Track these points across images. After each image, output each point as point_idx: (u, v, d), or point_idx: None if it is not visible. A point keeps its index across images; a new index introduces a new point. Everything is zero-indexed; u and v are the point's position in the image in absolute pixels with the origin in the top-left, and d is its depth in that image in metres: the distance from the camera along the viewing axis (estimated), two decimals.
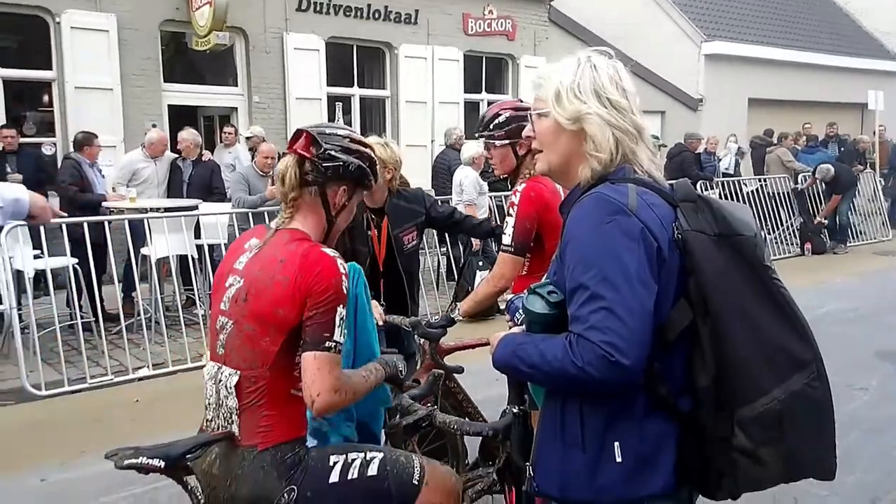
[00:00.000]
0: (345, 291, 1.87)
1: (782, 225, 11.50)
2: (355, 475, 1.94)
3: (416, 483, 2.00)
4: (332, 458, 1.95)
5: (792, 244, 11.50)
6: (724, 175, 11.91)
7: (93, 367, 5.55)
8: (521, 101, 3.13)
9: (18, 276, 5.82)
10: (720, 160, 12.49)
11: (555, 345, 1.44)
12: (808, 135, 13.33)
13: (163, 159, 7.60)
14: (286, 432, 1.90)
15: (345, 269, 1.89)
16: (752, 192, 11.27)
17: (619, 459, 1.47)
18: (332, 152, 1.98)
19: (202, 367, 2.10)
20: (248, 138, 8.68)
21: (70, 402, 5.15)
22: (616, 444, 1.48)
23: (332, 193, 2.01)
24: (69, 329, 6.10)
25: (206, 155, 8.05)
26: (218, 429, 1.93)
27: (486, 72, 12.63)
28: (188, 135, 7.68)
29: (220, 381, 1.91)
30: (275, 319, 1.84)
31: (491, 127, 3.01)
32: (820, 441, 1.49)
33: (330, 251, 1.91)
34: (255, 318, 1.87)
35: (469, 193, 7.67)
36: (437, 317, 3.15)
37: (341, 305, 1.85)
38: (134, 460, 1.78)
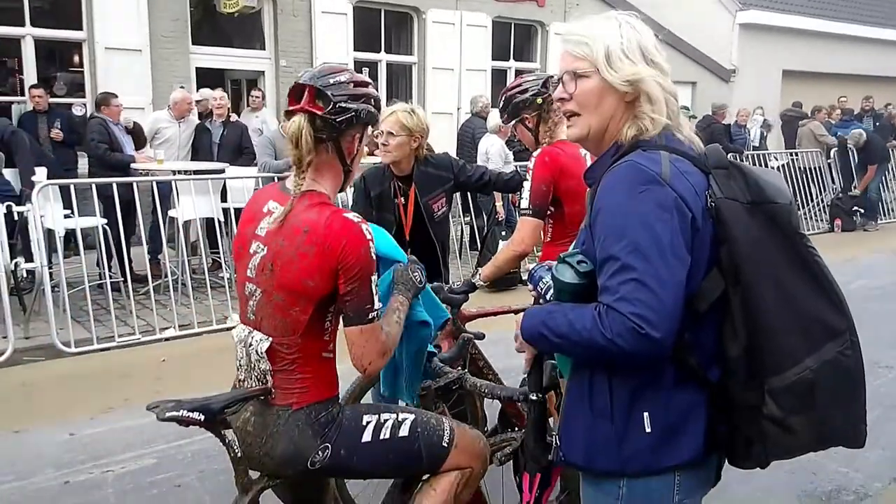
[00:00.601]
0: (374, 257, 1.85)
1: (812, 200, 11.30)
2: (387, 435, 1.97)
3: (446, 445, 2.03)
4: (365, 418, 1.98)
5: (821, 220, 11.32)
6: (755, 149, 11.70)
7: (121, 327, 5.66)
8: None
9: (49, 235, 5.93)
10: (750, 132, 12.26)
11: (584, 315, 1.42)
12: (843, 108, 13.02)
13: (187, 121, 7.63)
14: (320, 392, 1.92)
15: (370, 233, 1.86)
16: (783, 165, 11.07)
17: (647, 429, 1.47)
18: (342, 104, 1.88)
19: (228, 328, 2.13)
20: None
21: (98, 360, 5.26)
22: (645, 414, 1.47)
23: (346, 144, 1.94)
24: (98, 288, 6.22)
25: (233, 116, 8.08)
26: (252, 387, 1.95)
27: (514, 39, 12.46)
28: (219, 94, 7.71)
29: (251, 345, 1.91)
30: (304, 290, 1.83)
31: (504, 116, 3.18)
32: (851, 409, 1.48)
33: (353, 216, 1.86)
34: (283, 289, 1.86)
35: (495, 162, 7.62)
36: (459, 283, 3.15)
37: (373, 273, 1.86)
38: (175, 413, 1.82)
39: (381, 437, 1.97)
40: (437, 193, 3.34)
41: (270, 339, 1.89)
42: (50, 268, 5.74)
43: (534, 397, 1.79)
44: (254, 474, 2.01)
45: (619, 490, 1.54)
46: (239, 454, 1.94)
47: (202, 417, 1.82)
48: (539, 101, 3.05)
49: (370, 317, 1.85)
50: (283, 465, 1.92)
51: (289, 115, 1.91)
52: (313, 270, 1.81)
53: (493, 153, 7.67)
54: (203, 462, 3.60)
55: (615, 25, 1.55)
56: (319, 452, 1.90)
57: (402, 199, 3.29)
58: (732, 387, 1.48)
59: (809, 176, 11.22)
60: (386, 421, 1.99)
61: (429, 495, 2.04)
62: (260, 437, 1.93)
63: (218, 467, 3.51)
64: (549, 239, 3.08)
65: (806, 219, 11.02)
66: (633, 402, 1.48)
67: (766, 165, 10.71)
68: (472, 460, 2.08)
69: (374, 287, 1.86)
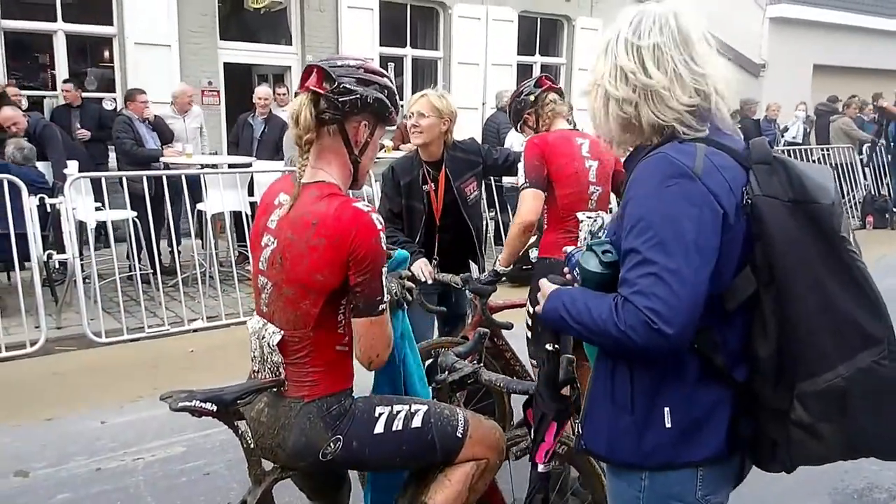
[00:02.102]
0: (383, 247, 1.83)
1: (844, 197, 11.11)
2: (400, 426, 1.95)
3: (460, 436, 2.01)
4: (378, 410, 1.97)
5: (853, 217, 11.13)
6: (790, 144, 11.53)
7: (150, 318, 5.73)
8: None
9: (81, 227, 6.03)
10: (786, 129, 12.07)
11: (602, 304, 1.41)
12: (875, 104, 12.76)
13: (190, 114, 7.67)
14: (332, 385, 1.91)
15: (380, 222, 1.83)
16: (815, 160, 10.90)
17: (667, 424, 1.46)
18: (348, 85, 1.85)
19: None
20: None
21: (128, 350, 5.34)
22: (666, 409, 1.46)
23: (352, 130, 1.90)
24: (128, 280, 6.31)
25: (280, 113, 8.11)
26: (265, 379, 1.95)
27: (540, 33, 12.39)
28: (263, 91, 7.74)
29: (264, 337, 1.91)
30: (314, 284, 1.81)
31: (512, 123, 3.44)
32: (885, 421, 1.41)
33: (362, 205, 1.82)
34: (293, 283, 1.84)
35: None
36: (490, 277, 3.17)
37: (384, 266, 1.85)
38: (188, 403, 1.82)
39: (394, 428, 1.94)
40: (468, 177, 3.38)
41: (282, 332, 1.87)
42: (81, 259, 5.83)
43: (549, 347, 1.77)
44: (267, 465, 2.01)
45: (641, 482, 1.53)
46: (252, 445, 1.93)
47: (214, 408, 1.83)
48: (532, 98, 3.19)
49: (381, 308, 1.84)
50: (295, 456, 1.92)
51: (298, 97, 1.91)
52: (323, 264, 1.79)
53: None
54: (231, 451, 3.63)
55: (652, 16, 1.50)
56: (331, 444, 1.89)
57: (433, 185, 3.30)
58: (760, 388, 1.44)
59: (841, 172, 11.03)
60: (399, 412, 1.97)
61: (444, 486, 2.01)
62: (272, 429, 1.93)
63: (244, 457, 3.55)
64: (546, 227, 3.14)
65: None
66: (653, 397, 1.47)
67: (807, 159, 10.57)
68: (487, 451, 2.05)
69: (384, 278, 1.84)
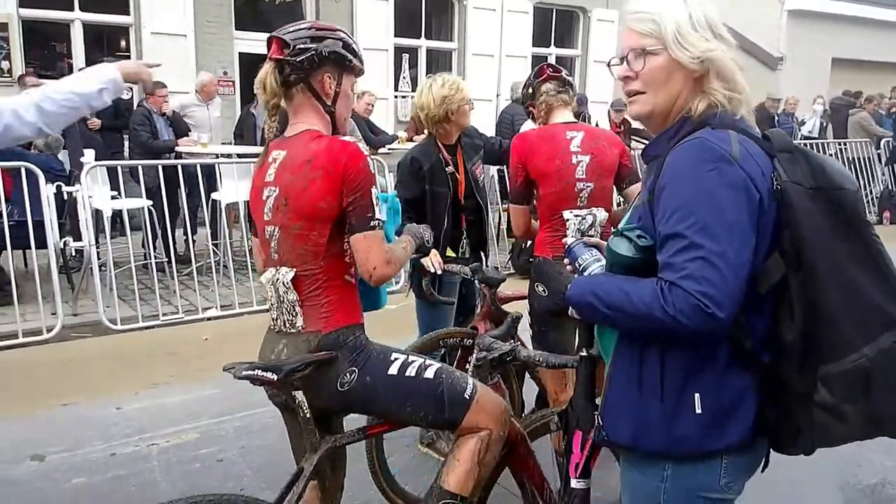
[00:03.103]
0: (372, 172, 1.98)
1: (861, 191, 11.00)
2: (413, 373, 2.05)
3: (468, 398, 2.09)
4: (394, 355, 2.09)
5: (870, 212, 11.03)
6: (806, 138, 11.44)
7: (165, 306, 5.78)
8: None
9: (97, 215, 6.08)
10: (803, 122, 11.97)
11: (643, 288, 1.41)
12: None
13: (214, 103, 7.73)
14: (345, 317, 2.02)
15: (366, 150, 1.99)
16: (831, 155, 10.80)
17: (698, 411, 1.46)
18: (301, 45, 2.01)
19: (267, 309, 2.16)
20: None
21: (143, 337, 5.39)
22: (696, 395, 1.46)
23: (318, 84, 2.05)
24: (143, 268, 6.36)
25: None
26: (284, 324, 2.04)
27: (555, 25, 12.34)
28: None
29: (278, 279, 2.02)
30: (319, 213, 1.95)
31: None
32: None
33: (349, 138, 2.00)
34: (300, 217, 1.97)
35: None
36: (499, 270, 3.18)
37: (373, 185, 1.97)
38: (250, 372, 1.91)
39: (407, 373, 2.05)
40: (476, 160, 3.49)
41: (294, 269, 1.99)
42: (97, 247, 5.89)
43: (584, 353, 1.78)
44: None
45: (663, 472, 1.53)
46: (308, 415, 1.99)
47: (275, 377, 1.90)
48: (530, 90, 3.16)
49: (371, 224, 1.95)
50: (316, 388, 1.99)
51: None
52: (324, 192, 1.93)
53: None
54: (244, 438, 3.67)
55: (681, 0, 1.52)
56: (348, 374, 1.99)
57: (453, 168, 3.38)
58: (784, 372, 1.45)
59: (858, 167, 10.93)
60: (413, 361, 2.08)
61: (453, 467, 2.09)
62: None
63: (259, 443, 3.58)
64: (536, 224, 3.14)
65: None
66: (684, 383, 1.46)
67: (824, 153, 10.47)
68: (490, 421, 2.11)
69: (374, 198, 1.96)
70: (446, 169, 3.35)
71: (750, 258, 1.38)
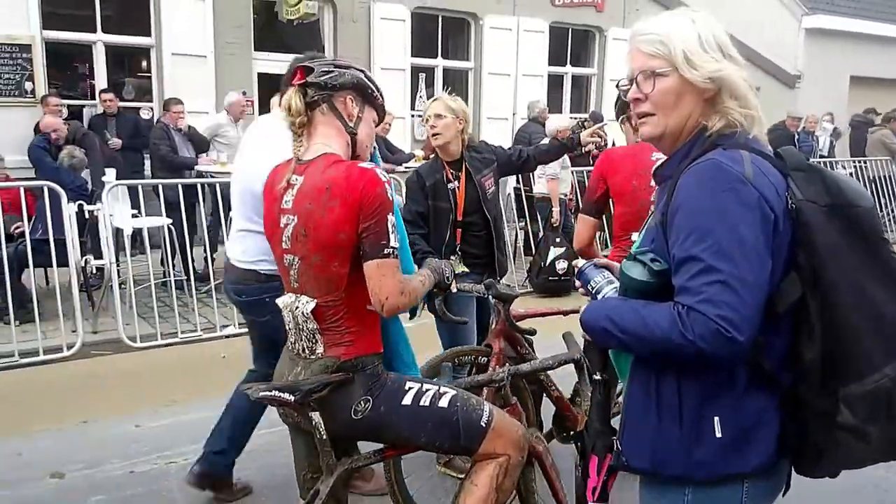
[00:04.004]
0: (390, 198, 1.94)
1: (882, 211, 10.89)
2: (427, 402, 2.04)
3: (484, 425, 2.07)
4: (408, 384, 2.07)
5: (890, 230, 10.90)
6: (819, 157, 11.36)
7: (183, 323, 5.81)
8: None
9: (117, 233, 6.14)
10: (818, 140, 11.90)
11: (659, 313, 1.40)
12: None
13: (244, 122, 7.82)
14: (366, 347, 2.01)
15: (385, 176, 1.95)
16: (850, 174, 10.71)
17: (718, 434, 1.44)
18: (325, 68, 2.05)
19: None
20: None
21: (162, 355, 5.41)
22: (716, 418, 1.44)
23: (340, 104, 2.06)
24: (162, 286, 6.40)
25: None
26: (303, 349, 2.04)
27: (571, 44, 12.38)
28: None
29: (297, 307, 2.00)
30: (339, 243, 1.92)
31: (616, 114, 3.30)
32: None
33: (367, 164, 1.96)
34: (319, 248, 1.94)
35: (552, 167, 7.56)
36: (513, 287, 3.19)
37: (390, 213, 1.93)
38: (267, 393, 1.91)
39: (421, 403, 2.04)
40: (486, 173, 3.55)
41: (315, 300, 1.97)
42: (117, 265, 5.94)
43: (597, 377, 1.77)
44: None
45: (683, 497, 1.50)
46: (324, 436, 1.99)
47: (292, 398, 1.90)
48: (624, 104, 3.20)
49: (385, 252, 1.91)
50: (332, 413, 1.98)
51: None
52: (342, 221, 1.90)
53: None
54: (262, 457, 3.66)
55: (689, 21, 1.51)
56: (362, 403, 1.98)
57: (456, 183, 3.45)
58: (805, 392, 1.43)
59: (879, 186, 10.83)
60: (428, 390, 2.07)
61: (471, 492, 2.07)
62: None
63: (277, 462, 3.57)
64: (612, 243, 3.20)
65: None
66: (703, 406, 1.44)
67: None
68: (508, 447, 2.09)
69: (390, 227, 1.92)
70: (448, 185, 3.42)
71: (767, 280, 1.37)
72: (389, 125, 8.24)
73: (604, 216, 3.18)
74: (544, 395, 3.32)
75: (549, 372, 3.25)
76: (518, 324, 3.18)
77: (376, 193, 1.91)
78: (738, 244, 1.35)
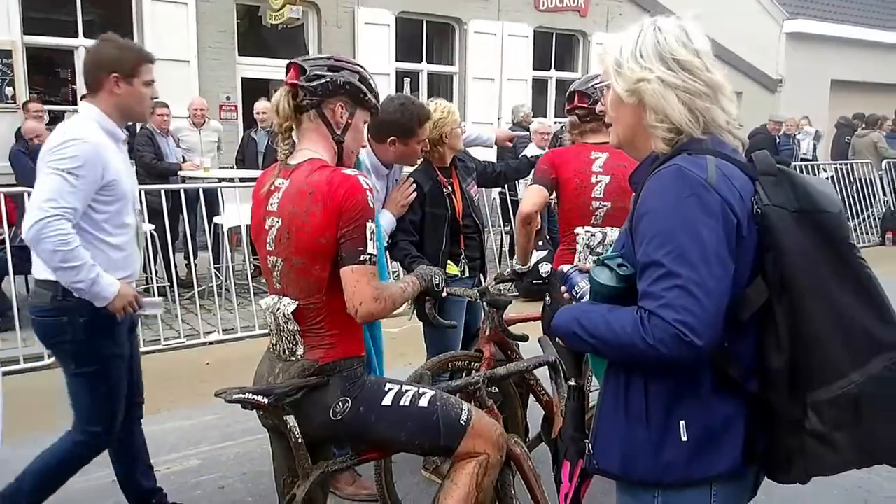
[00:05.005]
0: (371, 206, 1.94)
1: (863, 213, 11.01)
2: (407, 403, 2.06)
3: (463, 423, 2.09)
4: (388, 386, 2.09)
5: (872, 233, 11.02)
6: (803, 160, 11.46)
7: (167, 330, 5.76)
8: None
9: None
10: (800, 144, 12.00)
11: (623, 317, 1.40)
12: None
13: (207, 127, 7.75)
14: (346, 350, 2.02)
15: (368, 184, 1.95)
16: (831, 177, 10.81)
17: (684, 438, 1.44)
18: (318, 72, 2.02)
19: (269, 334, 2.16)
20: None
21: (145, 362, 5.25)
22: (682, 422, 1.44)
23: (329, 112, 2.05)
24: (144, 293, 6.32)
25: None
26: (283, 351, 2.05)
27: (555, 49, 12.44)
28: (261, 105, 7.84)
29: (279, 309, 2.01)
30: (320, 248, 1.93)
31: None
32: None
33: (351, 171, 1.97)
34: (301, 252, 1.95)
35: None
36: (499, 287, 3.21)
37: (369, 220, 1.93)
38: (241, 395, 1.92)
39: (401, 403, 2.06)
40: (469, 181, 3.60)
41: (297, 301, 1.98)
42: None
43: (572, 383, 1.79)
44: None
45: (654, 500, 1.51)
46: (300, 440, 1.99)
47: (266, 400, 1.91)
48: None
49: (362, 258, 1.92)
50: (309, 415, 1.99)
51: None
52: (323, 226, 1.91)
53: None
54: (246, 464, 3.64)
55: (636, 31, 1.51)
56: (340, 404, 1.98)
57: (450, 188, 3.45)
58: (773, 399, 1.43)
59: (864, 188, 10.94)
60: (407, 391, 2.09)
61: (451, 491, 2.09)
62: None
63: (261, 469, 3.54)
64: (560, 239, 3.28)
65: (857, 231, 10.75)
66: (669, 410, 1.45)
67: (818, 175, 10.47)
68: (487, 445, 2.12)
69: (369, 234, 1.93)
70: (444, 191, 3.40)
71: (729, 285, 1.37)
72: None
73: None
74: (531, 397, 3.32)
75: (534, 374, 3.26)
76: (510, 328, 3.20)
77: (357, 200, 1.91)
78: (699, 249, 1.35)
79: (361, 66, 2.12)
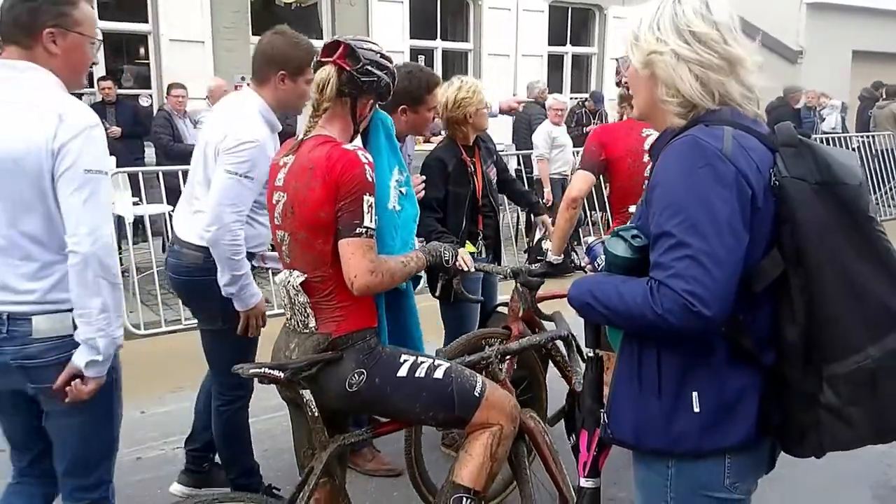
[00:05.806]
0: (369, 180, 1.96)
1: (885, 185, 10.85)
2: (422, 374, 2.09)
3: (478, 395, 2.13)
4: (403, 357, 2.12)
5: (894, 206, 10.87)
6: (828, 133, 11.28)
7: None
8: None
9: (119, 221, 6.14)
10: (823, 119, 11.82)
11: (635, 288, 1.41)
12: None
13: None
14: (358, 321, 2.05)
15: (367, 158, 1.97)
16: (854, 149, 10.65)
17: (696, 409, 1.44)
18: (370, 67, 2.05)
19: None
20: None
21: (167, 342, 5.43)
22: (694, 393, 1.45)
23: (361, 105, 2.11)
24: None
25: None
26: (297, 324, 2.08)
27: (571, 24, 12.29)
28: None
29: (290, 282, 2.05)
30: (320, 222, 1.96)
31: None
32: None
33: (351, 146, 2.00)
34: (304, 226, 1.99)
35: (539, 148, 7.54)
36: (534, 266, 3.19)
37: (367, 193, 1.95)
38: (257, 370, 1.95)
39: (417, 374, 2.08)
40: (489, 163, 3.59)
41: (305, 274, 2.01)
42: (120, 253, 5.94)
43: (591, 354, 1.79)
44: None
45: (667, 470, 1.52)
46: (316, 413, 2.02)
47: (282, 375, 1.94)
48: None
49: (357, 231, 1.94)
50: (324, 388, 2.03)
51: (319, 65, 2.07)
52: (322, 201, 1.94)
53: (537, 139, 7.61)
54: (267, 441, 3.69)
55: (655, 4, 1.49)
56: (356, 375, 2.01)
57: (472, 167, 3.44)
58: (788, 372, 1.43)
59: (885, 159, 10.77)
60: (422, 363, 2.11)
61: (466, 461, 2.14)
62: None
63: (282, 446, 3.59)
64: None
65: (880, 204, 10.60)
66: (682, 381, 1.46)
67: (848, 147, 10.30)
68: (500, 416, 2.16)
69: (366, 207, 1.94)
70: (468, 169, 3.40)
71: (742, 256, 1.36)
72: None
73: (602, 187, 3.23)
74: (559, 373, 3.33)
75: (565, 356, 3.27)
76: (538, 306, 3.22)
77: (354, 174, 1.93)
78: (711, 220, 1.35)
79: (393, 64, 2.15)
